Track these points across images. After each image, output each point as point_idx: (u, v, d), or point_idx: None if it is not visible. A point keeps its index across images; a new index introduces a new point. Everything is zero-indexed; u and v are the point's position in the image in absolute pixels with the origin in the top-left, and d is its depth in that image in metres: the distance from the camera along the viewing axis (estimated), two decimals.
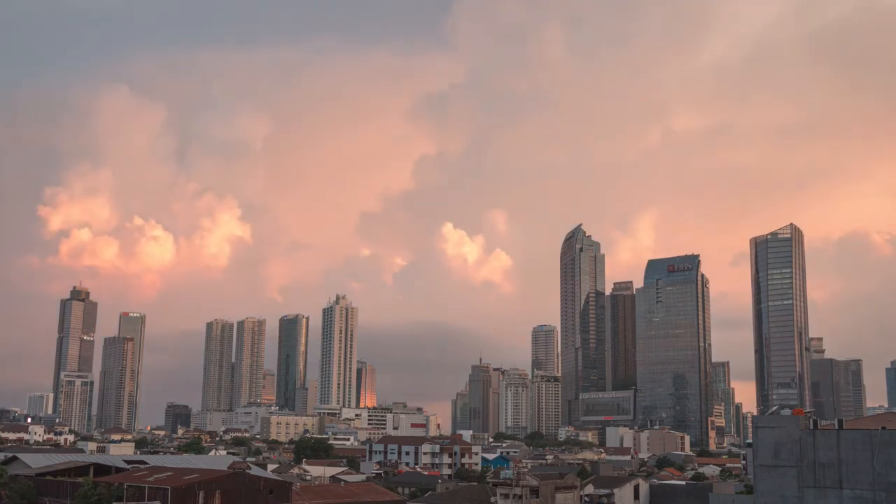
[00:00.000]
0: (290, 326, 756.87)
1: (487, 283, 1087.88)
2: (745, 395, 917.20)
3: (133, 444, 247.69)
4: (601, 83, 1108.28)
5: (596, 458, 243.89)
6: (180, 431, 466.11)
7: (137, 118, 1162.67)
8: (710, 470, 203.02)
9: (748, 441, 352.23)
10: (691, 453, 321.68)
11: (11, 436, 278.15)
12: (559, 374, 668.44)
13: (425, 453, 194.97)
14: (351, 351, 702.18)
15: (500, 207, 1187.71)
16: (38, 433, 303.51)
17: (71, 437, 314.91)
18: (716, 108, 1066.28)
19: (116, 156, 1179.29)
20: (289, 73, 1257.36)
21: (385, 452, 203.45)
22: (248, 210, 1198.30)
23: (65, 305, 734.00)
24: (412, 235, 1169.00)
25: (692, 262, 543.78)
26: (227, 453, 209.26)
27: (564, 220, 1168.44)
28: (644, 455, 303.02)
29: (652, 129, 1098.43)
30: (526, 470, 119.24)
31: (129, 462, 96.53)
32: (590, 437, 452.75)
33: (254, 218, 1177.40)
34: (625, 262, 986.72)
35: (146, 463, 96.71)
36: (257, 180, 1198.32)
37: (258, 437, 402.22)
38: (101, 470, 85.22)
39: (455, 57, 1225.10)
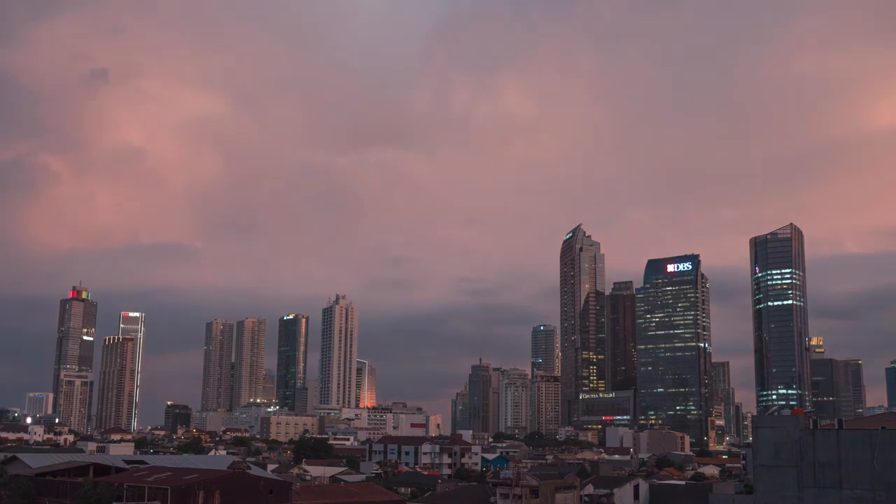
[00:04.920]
0: (290, 326, 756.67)
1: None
2: (745, 395, 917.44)
3: (133, 444, 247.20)
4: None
5: (596, 458, 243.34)
6: (180, 431, 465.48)
7: None
8: (710, 470, 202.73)
9: (748, 441, 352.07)
10: (691, 453, 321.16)
11: (11, 436, 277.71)
12: (559, 374, 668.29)
13: (425, 453, 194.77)
14: (351, 351, 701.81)
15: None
16: (37, 433, 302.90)
17: (71, 438, 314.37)
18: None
19: None
20: None
21: (385, 452, 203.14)
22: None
23: (65, 305, 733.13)
24: None
25: (692, 261, 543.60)
26: (227, 453, 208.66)
27: (564, 220, 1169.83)
28: (644, 455, 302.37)
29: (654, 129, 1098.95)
30: (526, 470, 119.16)
31: (128, 462, 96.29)
32: (590, 437, 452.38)
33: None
34: (625, 262, 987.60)
35: (146, 463, 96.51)
36: None
37: (258, 437, 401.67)
38: (101, 470, 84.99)
39: None
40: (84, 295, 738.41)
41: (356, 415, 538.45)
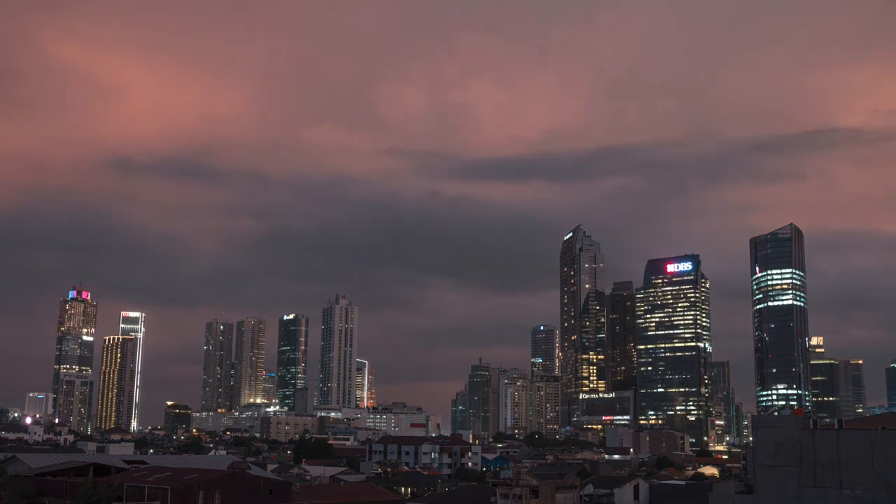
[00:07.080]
0: (290, 326, 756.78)
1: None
2: (745, 395, 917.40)
3: (133, 444, 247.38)
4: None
5: (596, 458, 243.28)
6: (180, 431, 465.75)
7: None
8: (710, 470, 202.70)
9: (748, 441, 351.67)
10: (691, 453, 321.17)
11: (11, 436, 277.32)
12: (559, 374, 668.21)
13: (425, 453, 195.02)
14: (351, 351, 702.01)
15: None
16: (37, 433, 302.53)
17: (70, 438, 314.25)
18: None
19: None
20: None
21: (385, 452, 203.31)
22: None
23: (65, 305, 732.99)
24: None
25: (692, 261, 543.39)
26: (227, 453, 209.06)
27: (565, 219, 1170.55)
28: (644, 455, 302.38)
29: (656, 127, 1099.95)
30: (526, 470, 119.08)
31: (128, 462, 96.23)
32: (590, 437, 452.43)
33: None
34: (625, 262, 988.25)
35: (146, 463, 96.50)
36: None
37: (258, 437, 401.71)
38: (101, 470, 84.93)
39: None
40: (84, 295, 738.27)
41: (356, 415, 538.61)
